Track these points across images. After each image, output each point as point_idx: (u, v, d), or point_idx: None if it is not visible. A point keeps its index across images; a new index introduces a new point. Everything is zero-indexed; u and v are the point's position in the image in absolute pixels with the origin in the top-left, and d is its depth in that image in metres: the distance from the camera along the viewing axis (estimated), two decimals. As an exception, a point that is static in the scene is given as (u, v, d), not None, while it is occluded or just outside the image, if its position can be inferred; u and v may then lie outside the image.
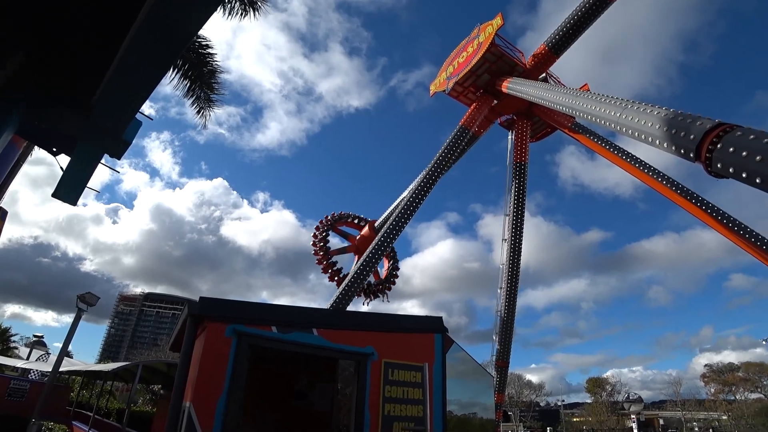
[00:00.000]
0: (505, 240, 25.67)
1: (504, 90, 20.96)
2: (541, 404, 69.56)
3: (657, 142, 8.13)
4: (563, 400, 68.40)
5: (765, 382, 43.28)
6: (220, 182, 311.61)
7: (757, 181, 5.87)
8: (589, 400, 54.42)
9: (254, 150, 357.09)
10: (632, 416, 46.78)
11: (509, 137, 26.88)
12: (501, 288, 25.48)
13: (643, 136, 8.60)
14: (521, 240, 25.49)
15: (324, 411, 6.43)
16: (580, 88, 20.83)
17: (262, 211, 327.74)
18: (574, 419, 50.63)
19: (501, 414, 29.85)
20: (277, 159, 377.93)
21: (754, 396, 41.77)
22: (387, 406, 5.05)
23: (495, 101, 24.21)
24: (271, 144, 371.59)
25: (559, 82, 24.55)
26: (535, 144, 28.31)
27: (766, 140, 6.09)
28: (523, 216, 25.70)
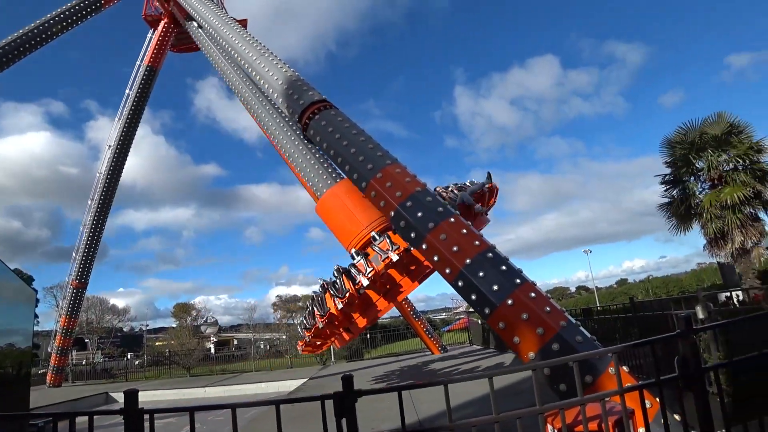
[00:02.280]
0: (110, 147, 22.42)
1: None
2: (125, 329, 66.65)
3: (276, 95, 8.63)
4: (147, 325, 68.15)
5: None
6: None
7: (331, 153, 7.08)
8: (174, 325, 56.30)
9: None
10: (211, 338, 52.94)
11: (149, 34, 23.40)
12: (92, 200, 22.20)
13: (267, 86, 8.94)
14: (128, 151, 22.89)
15: None
16: (239, 21, 20.26)
17: None
18: (158, 343, 51.36)
19: (71, 341, 26.26)
20: None
21: (298, 320, 55.57)
22: None
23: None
24: None
25: (222, 3, 23.09)
26: (178, 57, 25.93)
27: (347, 125, 7.42)
28: (137, 125, 23.10)
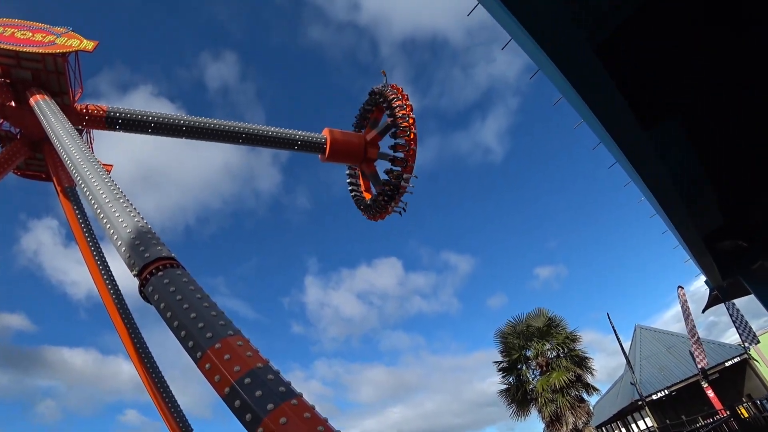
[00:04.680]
0: None
1: (32, 102, 16.69)
2: None
3: (119, 243, 7.84)
4: None
5: None
6: None
7: (168, 315, 6.28)
8: None
9: None
10: None
11: (-8, 149, 20.64)
12: None
13: (112, 232, 8.15)
14: None
15: None
16: (105, 165, 19.45)
17: None
18: None
19: None
20: None
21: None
22: None
23: (12, 102, 18.74)
24: None
25: (91, 143, 22.13)
26: (20, 180, 22.83)
27: (192, 288, 6.83)
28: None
